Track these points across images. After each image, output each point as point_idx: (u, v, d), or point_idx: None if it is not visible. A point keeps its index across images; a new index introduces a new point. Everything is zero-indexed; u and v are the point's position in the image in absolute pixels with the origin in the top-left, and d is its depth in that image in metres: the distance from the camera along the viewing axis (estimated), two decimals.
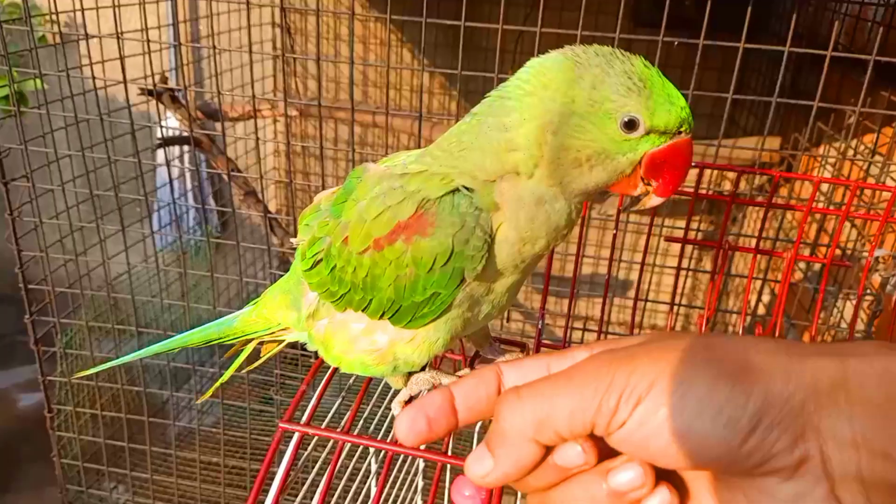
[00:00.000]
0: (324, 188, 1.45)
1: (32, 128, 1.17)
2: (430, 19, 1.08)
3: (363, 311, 0.43)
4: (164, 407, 1.75)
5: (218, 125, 2.03)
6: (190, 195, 1.95)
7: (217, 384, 0.61)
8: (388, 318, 0.43)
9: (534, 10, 1.96)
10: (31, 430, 2.14)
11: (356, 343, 0.45)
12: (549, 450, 0.33)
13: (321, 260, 0.45)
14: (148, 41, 1.08)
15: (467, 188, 0.39)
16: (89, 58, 1.18)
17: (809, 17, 1.70)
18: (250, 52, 1.05)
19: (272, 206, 2.20)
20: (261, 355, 0.59)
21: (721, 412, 0.29)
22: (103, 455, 1.42)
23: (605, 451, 0.32)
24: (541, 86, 0.38)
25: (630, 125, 0.37)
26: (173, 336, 0.59)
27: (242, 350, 0.59)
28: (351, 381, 0.57)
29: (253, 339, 0.56)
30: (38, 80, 1.19)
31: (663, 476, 0.32)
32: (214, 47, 1.08)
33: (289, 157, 1.15)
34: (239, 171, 1.49)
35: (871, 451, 0.28)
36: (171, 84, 1.57)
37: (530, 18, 1.92)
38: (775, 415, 0.29)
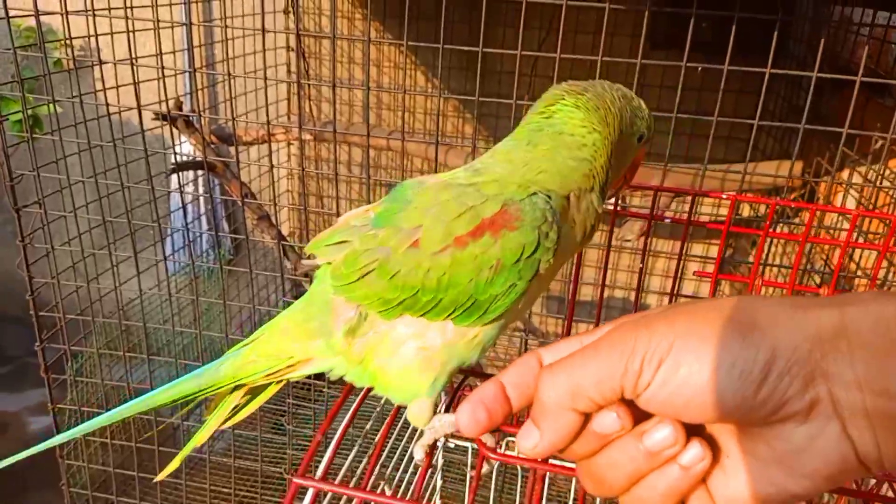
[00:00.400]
0: (337, 211, 1.44)
1: (45, 152, 1.16)
2: (447, 45, 1.06)
3: (424, 314, 0.44)
4: (174, 434, 1.73)
5: (231, 149, 2.02)
6: (203, 219, 1.94)
7: (182, 453, 0.55)
8: (456, 316, 0.43)
9: (549, 34, 1.95)
10: (40, 456, 2.12)
11: (403, 348, 0.45)
12: (588, 417, 0.36)
13: (372, 271, 0.44)
14: (162, 67, 1.07)
15: (545, 194, 0.44)
16: (102, 83, 1.17)
17: (829, 40, 1.68)
18: (265, 77, 1.04)
19: (285, 230, 2.18)
20: (241, 407, 0.53)
21: (734, 366, 0.32)
22: (113, 484, 1.40)
23: (639, 416, 0.35)
24: (600, 124, 0.46)
25: (640, 139, 0.49)
26: (182, 377, 0.52)
27: (222, 403, 0.53)
28: (368, 425, 0.54)
29: (245, 385, 0.51)
30: (51, 105, 1.19)
31: (694, 432, 0.35)
32: (229, 74, 1.07)
33: (303, 182, 1.13)
34: (253, 195, 1.47)
35: (872, 390, 0.31)
36: (186, 108, 1.57)
37: (546, 42, 1.92)
38: (784, 363, 0.32)
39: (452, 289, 0.42)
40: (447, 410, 0.56)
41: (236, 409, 0.52)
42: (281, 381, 0.51)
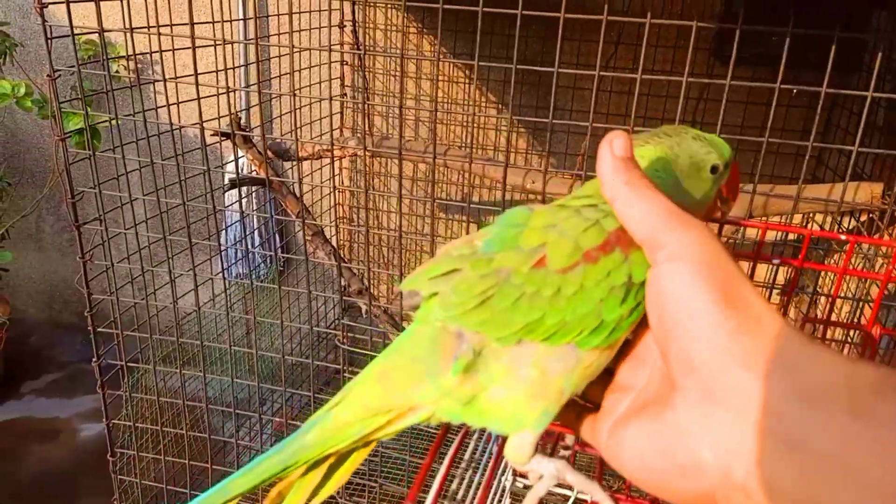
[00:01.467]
0: (379, 225, 1.41)
1: (102, 166, 1.16)
2: (484, 62, 1.03)
3: (548, 337, 0.40)
4: (225, 446, 1.72)
5: (285, 164, 2.02)
6: (255, 234, 1.94)
7: None
8: (581, 339, 0.40)
9: (608, 46, 1.91)
10: (92, 462, 2.15)
11: (517, 375, 0.41)
12: None
13: (491, 296, 0.40)
14: (228, 87, 1.06)
15: None
16: (166, 98, 1.17)
17: None
18: (330, 98, 1.02)
19: (334, 243, 2.17)
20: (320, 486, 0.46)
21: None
22: (165, 499, 1.39)
23: None
24: (664, 172, 0.46)
25: (714, 170, 0.47)
26: (260, 457, 0.45)
27: (296, 487, 0.45)
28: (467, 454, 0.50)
29: (331, 456, 0.45)
30: (112, 120, 1.19)
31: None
32: (294, 92, 1.05)
33: (364, 194, 1.11)
34: (309, 211, 1.46)
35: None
36: (243, 124, 1.56)
37: (613, 57, 1.88)
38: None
39: (582, 307, 0.39)
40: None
41: (315, 490, 0.46)
42: (371, 442, 0.45)
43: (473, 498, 0.50)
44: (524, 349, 0.40)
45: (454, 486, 0.48)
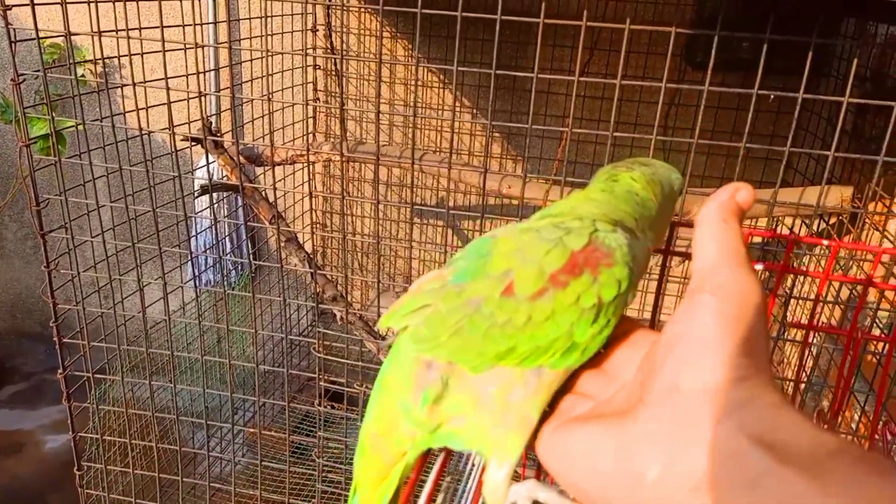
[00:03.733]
0: (354, 231, 1.39)
1: (68, 172, 1.13)
2: (464, 67, 1.02)
3: (520, 362, 0.40)
4: (195, 458, 1.68)
5: (257, 170, 1.99)
6: (227, 241, 1.91)
7: None
8: (554, 360, 0.39)
9: (592, 55, 1.92)
10: (58, 475, 2.09)
11: (495, 403, 0.40)
12: None
13: (461, 328, 0.40)
14: (200, 91, 1.04)
15: (624, 231, 0.43)
16: (135, 103, 1.14)
17: (875, 59, 1.63)
18: (305, 103, 1.00)
19: (307, 248, 2.15)
20: None
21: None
22: None
23: None
24: (655, 196, 0.48)
25: (679, 191, 0.51)
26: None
27: None
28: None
29: None
30: (74, 123, 1.16)
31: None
32: (268, 97, 1.03)
33: (342, 200, 1.09)
34: (282, 217, 1.44)
35: None
36: (214, 125, 1.53)
37: (576, 60, 1.88)
38: None
39: (553, 332, 0.39)
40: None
41: None
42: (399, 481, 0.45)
43: None
44: (496, 375, 0.40)
45: (440, 498, 0.47)
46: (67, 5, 1.02)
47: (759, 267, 0.53)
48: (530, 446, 0.40)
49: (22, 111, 1.02)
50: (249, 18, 1.72)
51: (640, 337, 0.41)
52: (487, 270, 0.40)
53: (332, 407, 1.35)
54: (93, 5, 1.05)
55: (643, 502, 0.30)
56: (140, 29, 1.14)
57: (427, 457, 0.45)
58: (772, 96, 0.93)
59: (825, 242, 0.48)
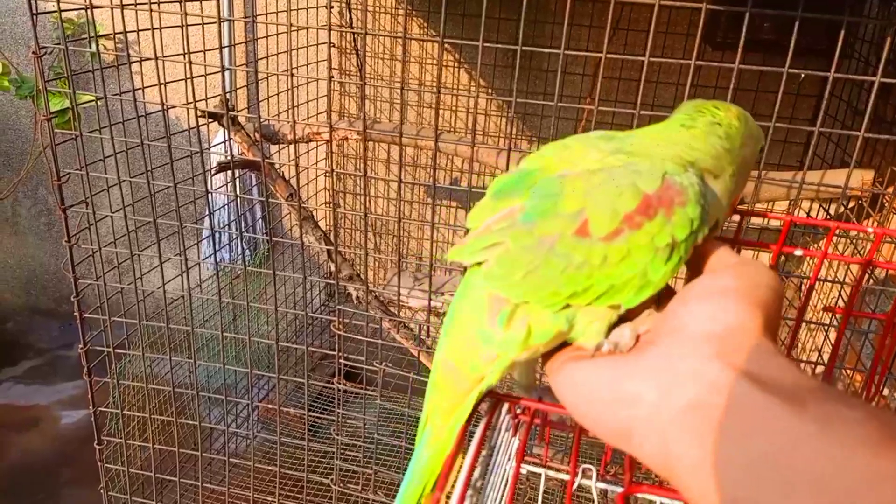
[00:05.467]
0: (370, 210, 1.39)
1: (85, 148, 1.13)
2: (489, 43, 1.01)
3: (594, 300, 0.41)
4: (212, 433, 1.70)
5: (273, 147, 1.99)
6: (241, 219, 1.91)
7: None
8: (628, 298, 0.40)
9: (599, 32, 1.89)
10: (74, 451, 2.11)
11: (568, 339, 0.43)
12: None
13: (535, 268, 0.41)
14: (222, 66, 1.03)
15: (698, 172, 0.43)
16: (158, 78, 1.13)
17: None
18: (329, 79, 0.99)
19: (324, 227, 2.15)
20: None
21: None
22: (152, 488, 1.37)
23: None
24: (740, 130, 0.47)
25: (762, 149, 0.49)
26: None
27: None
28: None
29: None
30: (94, 97, 1.16)
31: None
32: (291, 73, 1.03)
33: (364, 179, 1.09)
34: (298, 195, 1.43)
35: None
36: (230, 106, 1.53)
37: (594, 40, 1.86)
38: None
39: (628, 272, 0.40)
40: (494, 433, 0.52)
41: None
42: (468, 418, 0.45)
43: (498, 488, 0.49)
44: (567, 311, 0.41)
45: (476, 474, 0.47)
46: None
47: (798, 252, 0.52)
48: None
49: (44, 85, 1.02)
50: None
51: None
52: (559, 210, 0.40)
53: (347, 384, 1.36)
54: None
55: (636, 421, 0.33)
56: (159, 2, 1.14)
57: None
58: (802, 75, 0.92)
59: (870, 230, 0.48)
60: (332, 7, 1.89)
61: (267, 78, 1.95)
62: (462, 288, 0.44)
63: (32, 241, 2.71)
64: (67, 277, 1.16)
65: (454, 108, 2.07)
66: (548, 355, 0.43)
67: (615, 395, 0.35)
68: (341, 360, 1.08)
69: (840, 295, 1.41)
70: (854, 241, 1.45)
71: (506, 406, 0.53)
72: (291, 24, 0.96)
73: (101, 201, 1.18)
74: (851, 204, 1.60)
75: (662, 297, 0.41)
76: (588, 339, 0.41)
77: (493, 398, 0.49)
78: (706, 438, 0.30)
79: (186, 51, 1.04)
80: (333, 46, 1.99)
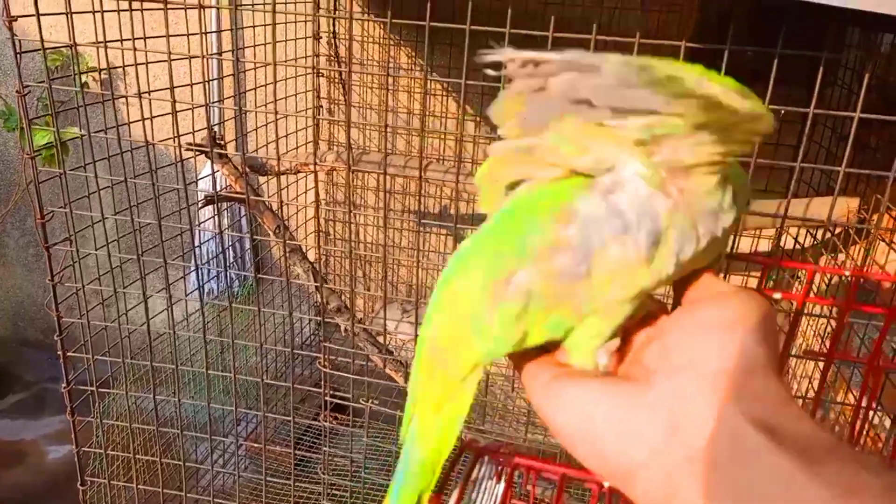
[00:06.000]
0: (358, 240, 1.38)
1: (71, 183, 1.12)
2: (472, 81, 1.01)
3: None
4: (198, 472, 1.67)
5: (260, 179, 1.99)
6: (229, 251, 1.90)
7: None
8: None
9: None
10: (61, 487, 2.08)
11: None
12: None
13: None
14: (206, 101, 1.03)
15: None
16: (141, 113, 1.13)
17: (882, 67, 1.62)
18: (314, 112, 0.99)
19: (310, 256, 2.14)
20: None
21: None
22: None
23: None
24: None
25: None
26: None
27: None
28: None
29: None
30: (78, 130, 1.15)
31: None
32: (276, 110, 1.03)
33: (348, 211, 1.08)
34: (286, 227, 1.43)
35: None
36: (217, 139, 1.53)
37: None
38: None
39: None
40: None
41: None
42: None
43: None
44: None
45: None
46: (72, 15, 1.01)
47: (777, 296, 0.52)
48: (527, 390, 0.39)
49: (28, 122, 1.02)
50: (254, 26, 1.72)
51: (663, 320, 0.40)
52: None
53: (336, 419, 1.34)
54: (99, 16, 1.04)
55: (639, 461, 0.31)
56: (144, 39, 1.14)
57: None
58: (782, 111, 0.92)
59: (847, 273, 0.47)
60: (319, 38, 1.90)
61: (255, 109, 1.95)
62: (466, 254, 0.39)
63: (20, 272, 2.69)
64: (60, 294, 1.14)
65: (443, 136, 2.08)
66: (523, 357, 0.39)
67: (618, 429, 0.32)
68: (327, 398, 1.07)
69: (828, 325, 1.40)
70: (842, 265, 1.45)
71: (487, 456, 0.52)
72: (274, 62, 0.96)
73: (88, 233, 1.17)
74: (839, 230, 1.61)
75: (649, 316, 0.39)
76: (582, 354, 0.37)
77: (474, 452, 0.48)
78: (716, 491, 0.28)
79: (171, 86, 1.03)
80: (322, 76, 1.99)
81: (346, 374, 1.00)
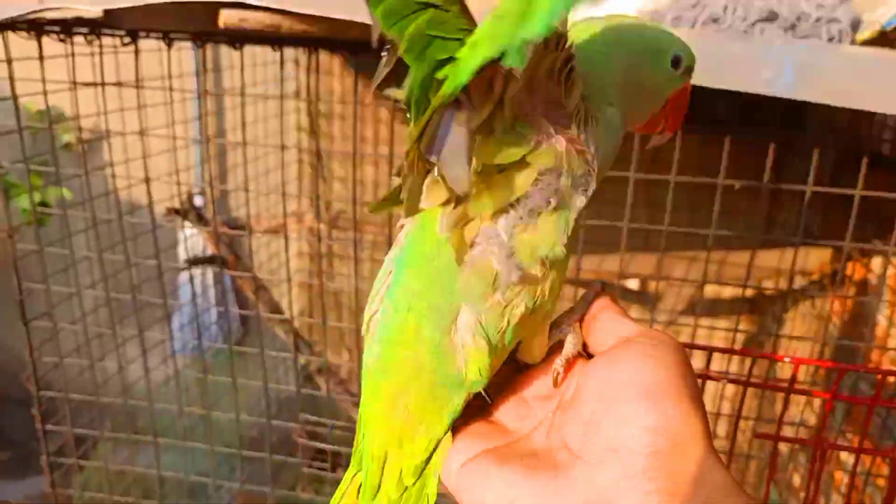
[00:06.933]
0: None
1: (52, 234, 1.13)
2: None
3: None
4: None
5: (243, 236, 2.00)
6: (213, 310, 1.90)
7: None
8: None
9: None
10: None
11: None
12: None
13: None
14: (177, 175, 1.05)
15: None
16: (123, 180, 1.15)
17: (848, 113, 1.65)
18: (295, 166, 1.01)
19: (296, 309, 2.14)
20: None
21: None
22: None
23: None
24: (612, 47, 0.41)
25: (676, 62, 0.41)
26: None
27: None
28: None
29: None
30: (63, 189, 1.16)
31: None
32: (253, 190, 1.04)
33: (319, 284, 1.10)
34: (265, 289, 1.44)
35: None
36: (198, 200, 1.55)
37: None
38: None
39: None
40: None
41: None
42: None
43: None
44: None
45: None
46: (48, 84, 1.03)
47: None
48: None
49: (6, 203, 1.03)
50: (234, 107, 1.74)
51: (580, 371, 0.38)
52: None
53: (318, 486, 1.33)
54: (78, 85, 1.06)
55: None
56: (122, 110, 1.16)
57: None
58: (736, 185, 0.95)
59: (787, 359, 0.49)
60: (299, 94, 1.93)
61: (236, 168, 1.97)
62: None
63: (3, 328, 2.68)
64: (39, 365, 1.14)
65: None
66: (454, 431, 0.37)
67: None
68: (306, 470, 1.06)
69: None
70: (822, 315, 1.46)
71: None
72: (252, 143, 0.98)
73: (71, 296, 1.17)
74: (814, 276, 1.63)
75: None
76: (536, 356, 0.38)
77: None
78: None
79: (143, 155, 1.05)
80: (301, 130, 2.02)
81: (322, 446, 1.00)
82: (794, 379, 0.52)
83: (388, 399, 0.37)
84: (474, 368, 0.35)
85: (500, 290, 0.35)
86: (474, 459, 0.34)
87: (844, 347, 1.38)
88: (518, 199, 0.34)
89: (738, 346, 1.65)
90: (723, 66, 0.69)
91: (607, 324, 0.37)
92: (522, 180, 0.34)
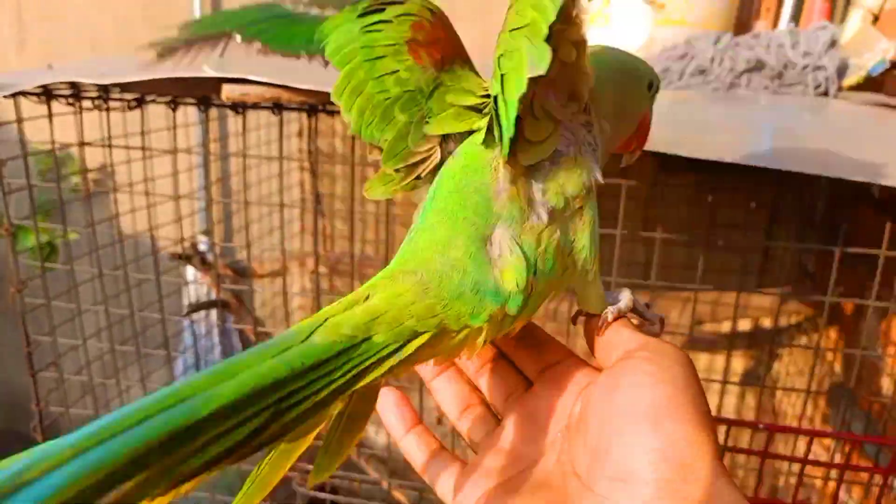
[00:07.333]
0: None
1: (58, 278, 1.16)
2: None
3: None
4: None
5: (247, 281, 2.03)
6: (217, 350, 1.93)
7: None
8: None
9: None
10: None
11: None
12: None
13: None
14: (180, 218, 1.08)
15: None
16: (130, 222, 1.18)
17: None
18: (299, 208, 1.04)
19: None
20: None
21: None
22: None
23: None
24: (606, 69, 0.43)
25: (650, 86, 0.45)
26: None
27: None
28: None
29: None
30: (68, 234, 1.19)
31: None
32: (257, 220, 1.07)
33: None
34: (268, 333, 1.46)
35: None
36: (203, 243, 1.58)
37: None
38: None
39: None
40: None
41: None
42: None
43: None
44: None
45: None
46: (55, 118, 1.07)
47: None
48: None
49: (15, 257, 1.05)
50: (236, 154, 1.78)
51: (570, 375, 0.38)
52: None
53: None
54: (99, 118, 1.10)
55: None
56: (129, 162, 1.19)
57: None
58: (720, 243, 0.97)
59: (761, 426, 0.51)
60: (301, 135, 1.97)
61: (240, 211, 2.00)
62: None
63: (13, 366, 2.71)
64: (49, 404, 1.16)
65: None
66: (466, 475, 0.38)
67: None
68: None
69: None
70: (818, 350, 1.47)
71: None
72: (252, 196, 1.01)
73: (75, 330, 1.20)
74: (801, 317, 1.64)
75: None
76: (595, 306, 0.38)
77: None
78: None
79: (150, 199, 1.08)
80: (305, 171, 2.05)
81: (324, 495, 1.01)
82: (808, 452, 0.53)
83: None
84: (511, 279, 0.34)
85: (536, 214, 0.36)
86: (487, 494, 0.34)
87: (839, 384, 1.39)
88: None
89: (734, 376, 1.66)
90: (702, 134, 0.71)
91: (613, 336, 0.36)
92: (552, 141, 0.36)
